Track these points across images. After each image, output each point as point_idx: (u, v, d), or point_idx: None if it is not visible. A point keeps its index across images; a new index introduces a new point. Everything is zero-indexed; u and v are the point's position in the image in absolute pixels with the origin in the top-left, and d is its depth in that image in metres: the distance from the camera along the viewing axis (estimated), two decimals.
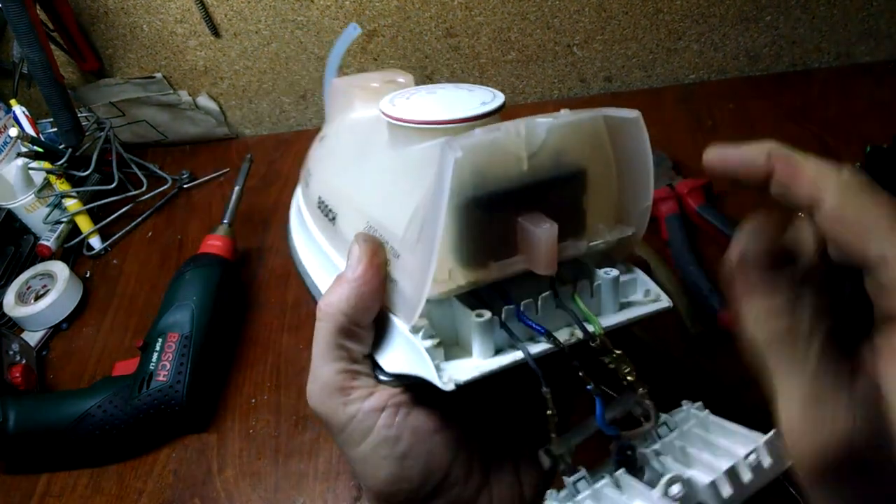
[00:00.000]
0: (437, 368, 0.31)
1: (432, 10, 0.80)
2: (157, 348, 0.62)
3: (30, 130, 0.78)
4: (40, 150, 0.76)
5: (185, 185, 0.88)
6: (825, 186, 0.25)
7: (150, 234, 0.83)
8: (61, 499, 0.60)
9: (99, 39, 0.85)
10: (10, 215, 0.80)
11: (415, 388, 0.34)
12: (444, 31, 0.82)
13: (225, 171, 0.89)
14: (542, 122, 0.32)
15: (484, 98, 0.36)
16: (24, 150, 0.75)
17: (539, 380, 0.30)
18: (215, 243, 0.71)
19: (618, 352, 0.32)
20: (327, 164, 0.45)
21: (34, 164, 0.78)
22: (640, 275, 0.35)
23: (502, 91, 0.38)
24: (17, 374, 0.64)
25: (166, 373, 0.61)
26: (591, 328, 0.33)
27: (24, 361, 0.67)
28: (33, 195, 0.79)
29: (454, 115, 0.34)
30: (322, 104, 0.90)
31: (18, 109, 0.78)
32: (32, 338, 0.72)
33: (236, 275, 0.72)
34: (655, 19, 0.80)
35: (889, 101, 0.77)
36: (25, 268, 0.77)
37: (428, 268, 0.30)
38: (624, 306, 0.35)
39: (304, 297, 0.72)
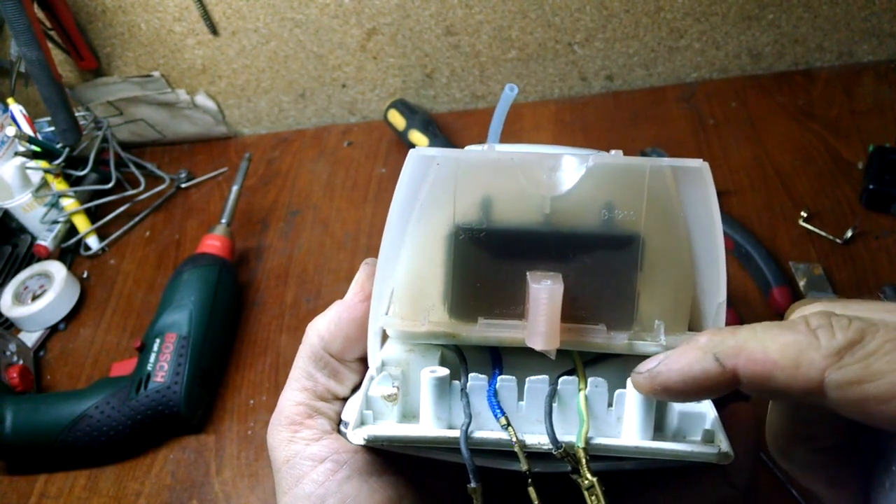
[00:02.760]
0: (363, 419, 0.26)
1: (432, 8, 0.80)
2: (155, 349, 0.62)
3: (27, 129, 0.77)
4: (37, 149, 0.75)
5: (183, 185, 0.87)
6: (817, 367, 0.19)
7: (147, 233, 0.83)
8: (59, 500, 0.60)
9: (97, 38, 0.85)
10: (7, 215, 0.80)
11: (376, 455, 0.29)
12: (444, 30, 0.82)
13: (223, 170, 0.88)
14: (580, 157, 0.25)
15: (591, 153, 0.30)
16: (21, 149, 0.75)
17: (468, 470, 0.24)
18: (213, 243, 0.71)
19: (591, 478, 0.23)
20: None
21: (31, 164, 0.77)
22: (710, 411, 0.25)
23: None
24: (15, 375, 0.64)
25: (164, 374, 0.60)
26: (567, 437, 0.24)
27: (21, 362, 0.67)
28: (30, 195, 0.78)
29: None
30: (321, 104, 0.90)
31: (16, 108, 0.78)
32: (29, 338, 0.72)
33: (234, 275, 0.72)
34: (657, 17, 0.79)
35: (892, 100, 0.76)
36: (22, 268, 0.77)
37: (376, 297, 0.26)
38: (662, 437, 0.26)
39: (303, 297, 0.72)
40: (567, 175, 0.25)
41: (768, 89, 0.81)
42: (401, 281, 0.27)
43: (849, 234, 0.64)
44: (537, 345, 0.24)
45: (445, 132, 0.83)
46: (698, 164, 0.25)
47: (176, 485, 0.59)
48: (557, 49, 0.83)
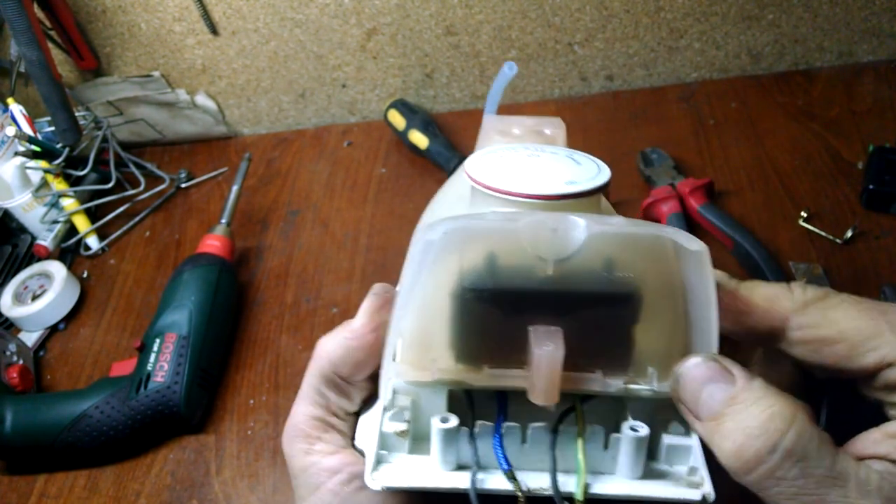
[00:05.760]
0: (378, 459, 0.28)
1: (432, 8, 0.80)
2: (155, 349, 0.62)
3: (27, 129, 0.77)
4: (37, 149, 0.75)
5: (182, 185, 0.87)
6: (785, 313, 0.27)
7: (147, 233, 0.83)
8: (59, 500, 0.60)
9: (97, 38, 0.85)
10: (7, 215, 0.80)
11: None
12: (444, 29, 0.82)
13: (223, 170, 0.88)
14: (583, 225, 0.27)
15: (585, 173, 0.30)
16: (21, 149, 0.75)
17: None
18: (213, 243, 0.71)
19: None
20: (433, 204, 0.41)
21: (31, 164, 0.77)
22: (696, 446, 0.28)
23: None
24: (15, 375, 0.64)
25: (164, 374, 0.60)
26: (567, 484, 0.27)
27: (21, 362, 0.67)
28: (30, 194, 0.78)
29: (535, 188, 0.29)
30: (321, 104, 0.90)
31: (16, 108, 0.78)
32: (29, 338, 0.72)
33: (234, 275, 0.72)
34: (657, 17, 0.79)
35: (892, 100, 0.76)
36: (22, 268, 0.77)
37: (389, 343, 0.28)
38: (652, 476, 0.28)
39: (303, 297, 0.72)
40: (571, 239, 0.27)
41: (768, 89, 0.81)
42: (409, 329, 0.28)
43: (849, 234, 0.64)
44: (538, 400, 0.27)
45: (445, 132, 0.83)
46: (698, 247, 0.27)
47: (176, 485, 0.59)
48: (557, 49, 0.83)
